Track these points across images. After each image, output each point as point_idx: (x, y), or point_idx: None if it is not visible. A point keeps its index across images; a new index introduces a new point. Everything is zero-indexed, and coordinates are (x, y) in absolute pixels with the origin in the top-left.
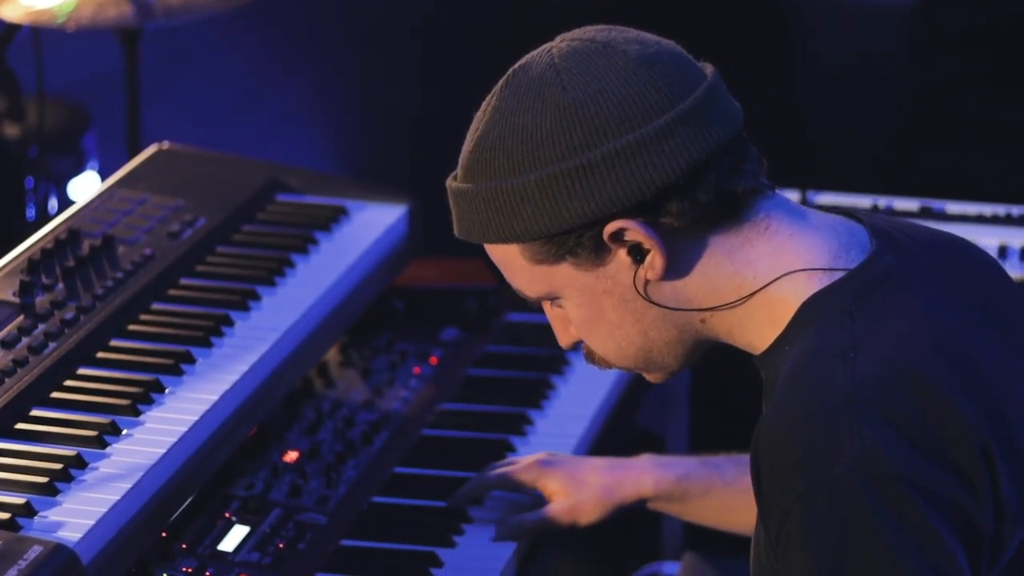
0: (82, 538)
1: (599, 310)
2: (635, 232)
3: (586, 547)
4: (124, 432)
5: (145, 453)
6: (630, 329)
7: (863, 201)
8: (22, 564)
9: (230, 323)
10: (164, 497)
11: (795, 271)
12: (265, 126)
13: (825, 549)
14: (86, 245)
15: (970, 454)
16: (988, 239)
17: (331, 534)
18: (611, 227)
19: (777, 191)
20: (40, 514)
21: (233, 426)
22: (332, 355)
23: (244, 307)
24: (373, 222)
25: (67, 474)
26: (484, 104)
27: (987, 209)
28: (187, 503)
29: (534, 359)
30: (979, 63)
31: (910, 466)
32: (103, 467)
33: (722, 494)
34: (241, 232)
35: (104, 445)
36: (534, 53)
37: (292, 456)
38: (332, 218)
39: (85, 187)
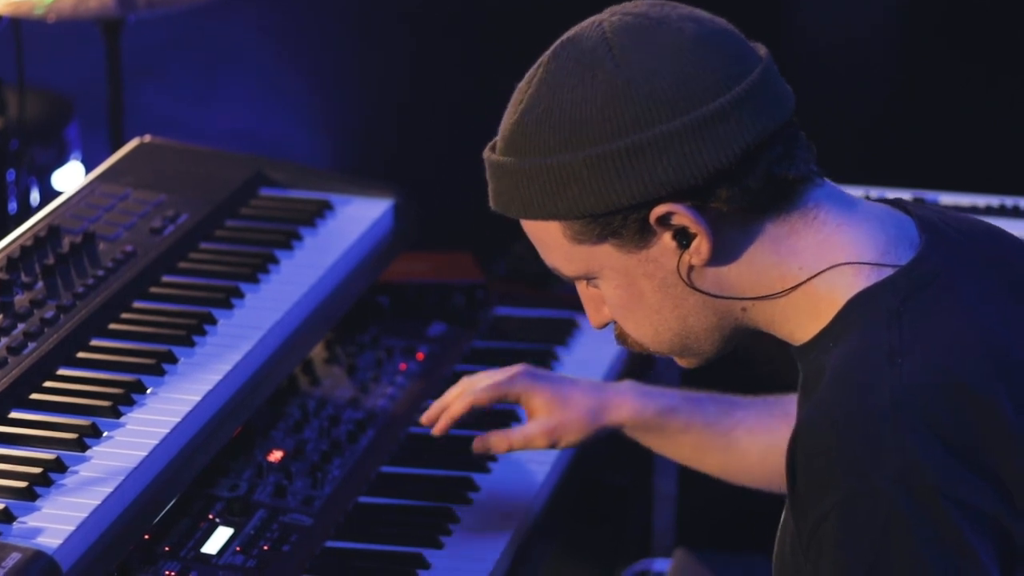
0: (62, 544)
1: (638, 293)
2: (682, 216)
3: (576, 544)
4: (105, 434)
5: (126, 456)
6: (669, 314)
7: (855, 192)
8: (0, 572)
9: (213, 321)
10: (146, 501)
11: (842, 264)
12: (256, 114)
13: (859, 561)
14: (66, 242)
15: (1012, 466)
16: None
17: (316, 535)
18: (658, 210)
19: (828, 181)
20: (19, 520)
21: (216, 427)
22: (318, 352)
23: (227, 305)
24: (358, 216)
25: (46, 478)
26: (529, 75)
27: (980, 200)
28: (170, 505)
29: (522, 354)
30: (971, 50)
31: (952, 480)
32: (83, 471)
33: (700, 433)
34: (224, 228)
35: (84, 448)
36: (583, 25)
37: (277, 456)
38: (317, 213)
39: (69, 178)
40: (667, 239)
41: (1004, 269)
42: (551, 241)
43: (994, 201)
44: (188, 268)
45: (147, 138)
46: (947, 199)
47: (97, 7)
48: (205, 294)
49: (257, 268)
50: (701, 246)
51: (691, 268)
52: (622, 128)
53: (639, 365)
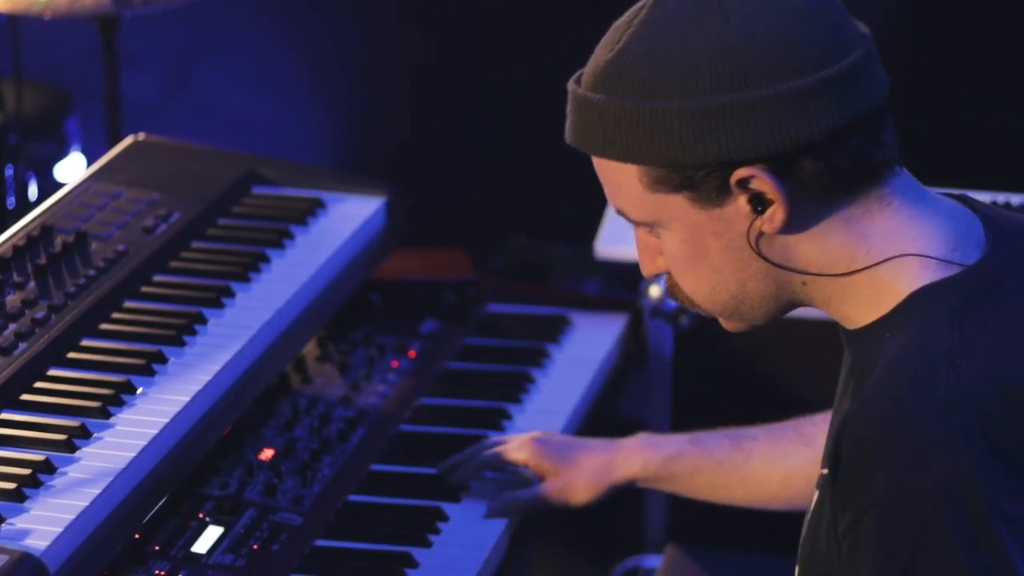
0: (49, 546)
1: (703, 250)
2: (764, 182)
3: (567, 541)
4: (94, 436)
5: (114, 457)
6: (729, 276)
7: None
8: None
9: (203, 321)
10: (135, 502)
11: (909, 255)
12: (250, 106)
13: (895, 560)
14: (59, 242)
15: None
16: None
17: (305, 534)
18: (741, 172)
19: (905, 170)
20: (8, 521)
21: (206, 427)
22: (310, 349)
23: (218, 304)
24: (350, 215)
25: (35, 480)
26: (629, 15)
27: (985, 197)
28: (160, 504)
29: (514, 351)
30: (970, 46)
31: (998, 489)
32: (72, 472)
33: (711, 473)
34: (216, 227)
35: (74, 449)
36: None
37: (268, 454)
38: (308, 211)
39: (71, 170)
40: (742, 202)
41: None
42: (625, 183)
43: (1000, 199)
44: (180, 267)
45: (141, 136)
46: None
47: (92, 4)
48: (196, 293)
49: (248, 267)
50: (776, 214)
51: (760, 235)
52: (722, 85)
53: (631, 362)
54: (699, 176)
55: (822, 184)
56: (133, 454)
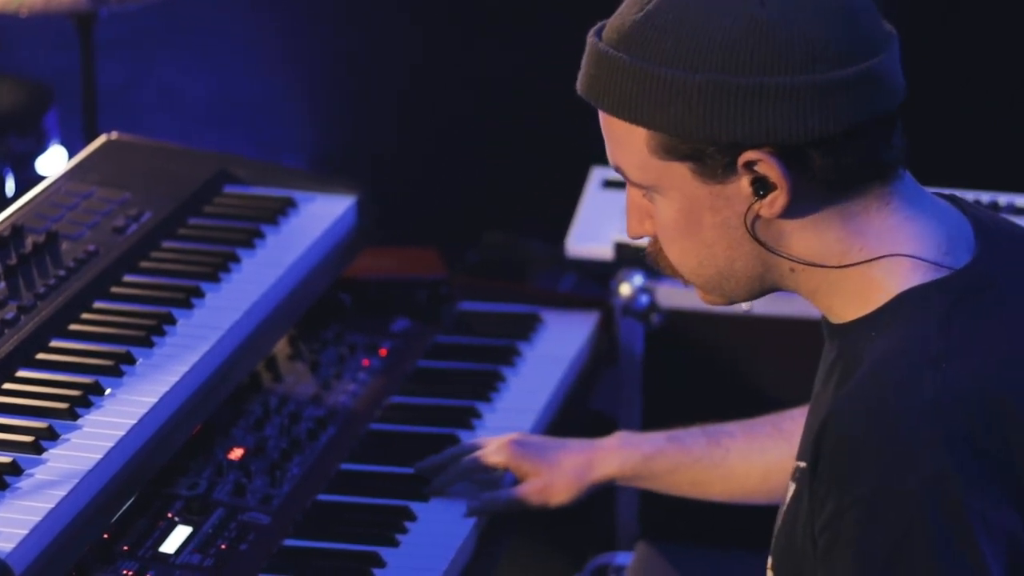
0: (15, 548)
1: (696, 223)
2: (770, 168)
3: (539, 538)
4: (61, 437)
5: (81, 459)
6: (719, 252)
7: None
8: None
9: (172, 322)
10: (101, 503)
11: (902, 255)
12: (225, 99)
13: (873, 560)
14: (29, 242)
15: None
16: None
17: (274, 534)
18: (751, 154)
19: (906, 171)
20: None
21: (173, 428)
22: (281, 347)
23: (187, 305)
24: (321, 214)
25: (2, 481)
26: None
27: (969, 196)
28: (128, 505)
29: (485, 350)
30: (953, 43)
31: (980, 496)
32: (39, 474)
33: (690, 470)
34: (187, 226)
35: (41, 451)
36: None
37: (237, 453)
38: (279, 210)
39: (52, 163)
40: (745, 183)
41: None
42: (630, 144)
43: (984, 197)
44: (150, 267)
45: (114, 135)
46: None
47: (69, 1)
48: (166, 294)
49: (218, 267)
50: (777, 200)
51: (757, 217)
52: (747, 66)
53: (602, 360)
54: (708, 151)
55: (827, 178)
56: (99, 456)
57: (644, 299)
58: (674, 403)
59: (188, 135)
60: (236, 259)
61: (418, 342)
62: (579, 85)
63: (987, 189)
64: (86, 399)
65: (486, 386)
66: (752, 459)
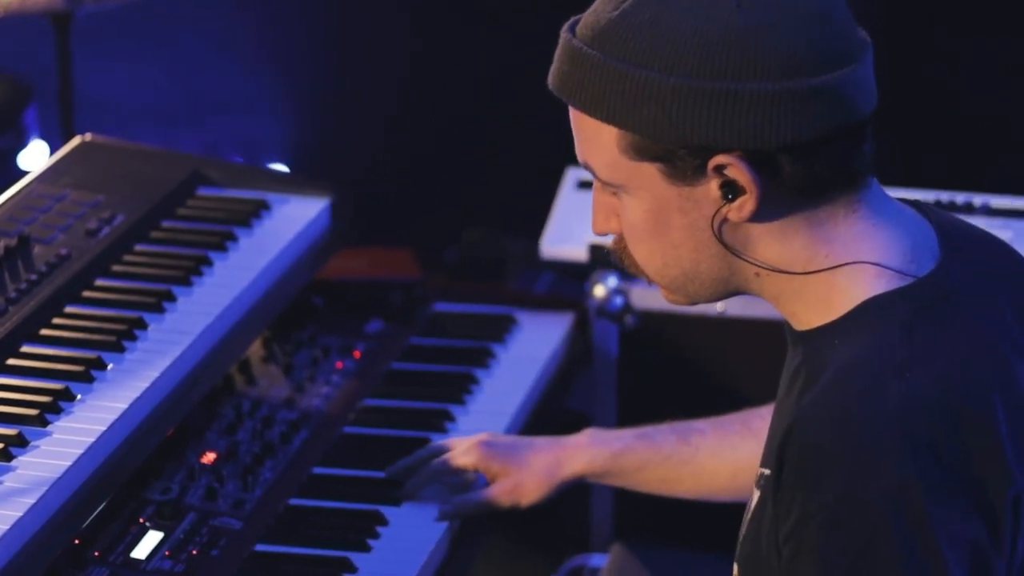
0: None
1: (664, 223)
2: (740, 172)
3: (513, 540)
4: (31, 444)
5: (50, 466)
6: (685, 253)
7: None
8: None
9: (144, 326)
10: (71, 511)
11: (866, 263)
12: (201, 99)
13: (837, 569)
14: (1, 246)
15: (1003, 500)
16: None
17: (245, 539)
18: (721, 158)
19: (874, 179)
20: None
21: (144, 434)
22: (255, 350)
23: (159, 309)
24: (294, 216)
25: None
26: None
27: (917, 196)
28: (99, 510)
29: (459, 352)
30: (913, 41)
31: (943, 505)
32: (8, 481)
33: (660, 468)
34: (160, 229)
35: (10, 458)
36: None
37: (210, 457)
38: (253, 213)
39: (33, 158)
40: (714, 186)
41: (1010, 286)
42: (601, 143)
43: (930, 196)
44: (122, 271)
45: (88, 137)
46: (893, 195)
47: (45, 1)
48: (137, 298)
49: (190, 271)
50: (745, 205)
51: (724, 220)
52: (722, 71)
53: (576, 362)
54: (679, 153)
55: (797, 185)
56: (69, 463)
57: (618, 301)
58: (649, 404)
59: (168, 134)
60: (208, 263)
61: (392, 344)
62: (551, 81)
63: (963, 190)
64: (56, 405)
65: (460, 389)
66: (722, 457)
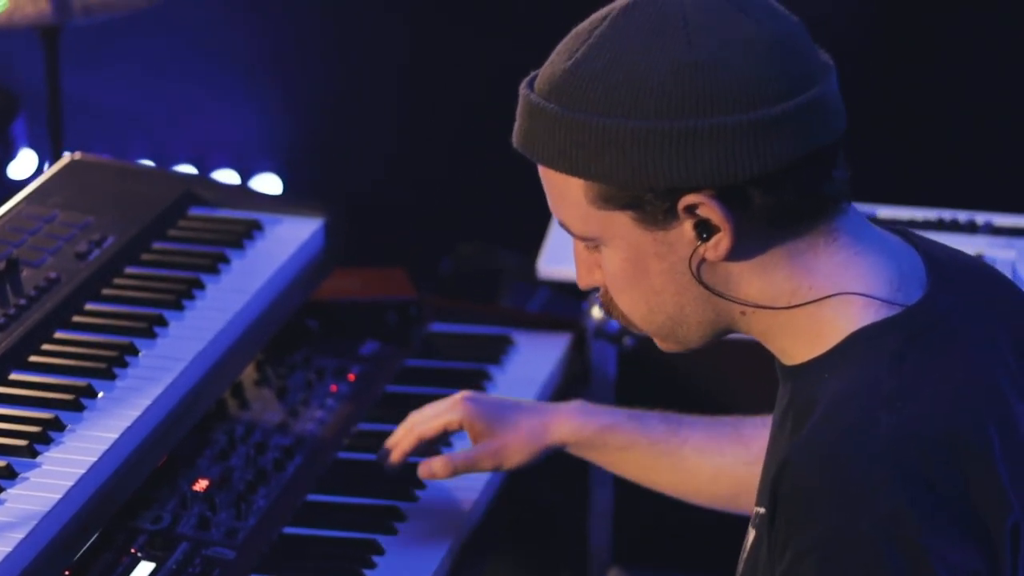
0: None
1: (643, 270)
2: (711, 210)
3: (510, 563)
4: (20, 475)
5: (41, 499)
6: (668, 298)
7: None
8: None
9: (135, 352)
10: (61, 544)
11: (852, 294)
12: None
13: None
14: None
15: (1001, 529)
16: None
17: (239, 569)
18: (689, 198)
19: (852, 205)
20: None
21: (136, 464)
22: (248, 373)
23: (150, 334)
24: (288, 237)
25: None
26: (591, 22)
27: (919, 214)
28: (89, 543)
29: (455, 374)
30: (907, 57)
31: (939, 536)
32: None
33: (645, 451)
34: (151, 251)
35: None
36: None
37: (202, 485)
38: (245, 234)
39: (24, 167)
40: (688, 227)
41: (1002, 314)
42: (569, 196)
43: (932, 215)
44: (112, 295)
45: (77, 155)
46: (885, 212)
47: (34, 14)
48: (128, 323)
49: (182, 294)
50: (721, 243)
51: (703, 261)
52: (678, 110)
53: (574, 383)
54: (647, 198)
55: (770, 216)
56: (59, 496)
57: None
58: None
59: (158, 144)
60: (200, 285)
61: (387, 366)
62: (514, 139)
63: (965, 208)
64: (46, 435)
65: None
66: (707, 456)
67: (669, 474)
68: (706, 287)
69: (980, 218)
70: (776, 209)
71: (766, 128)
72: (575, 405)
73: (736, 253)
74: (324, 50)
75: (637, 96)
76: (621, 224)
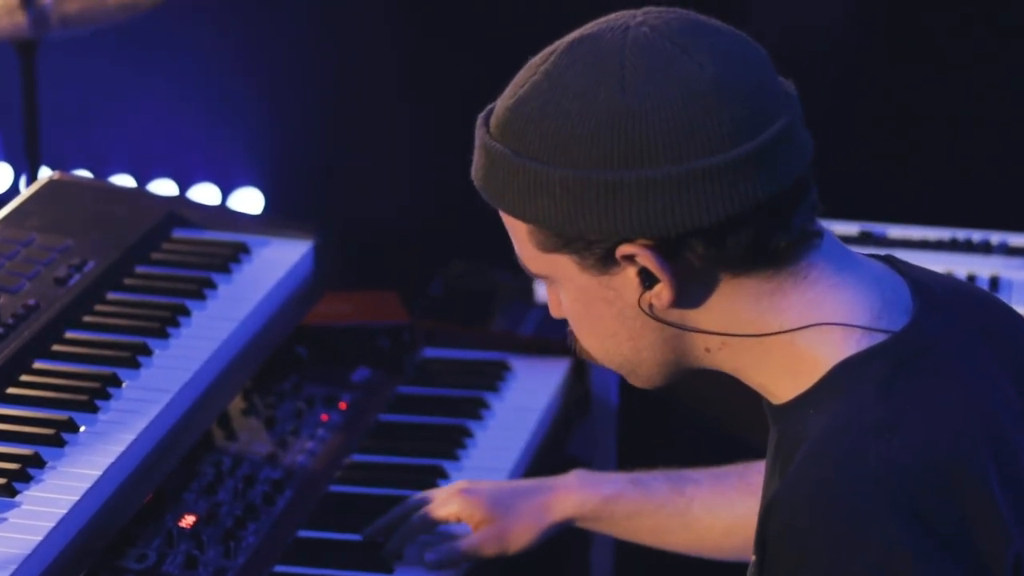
0: None
1: (595, 313)
2: (648, 261)
3: None
4: None
5: (19, 541)
6: (624, 341)
7: None
8: None
9: (118, 383)
10: None
11: (830, 324)
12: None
13: None
14: None
15: (1001, 561)
16: (932, 267)
17: None
18: (627, 248)
19: (827, 233)
20: None
21: (119, 502)
22: (235, 402)
23: (134, 364)
24: (276, 260)
25: None
26: (540, 57)
27: (932, 233)
28: None
29: (450, 402)
30: (918, 79)
31: (932, 568)
32: None
33: (652, 516)
34: (134, 275)
35: None
36: (612, 22)
37: (189, 521)
38: (232, 257)
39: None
40: (631, 273)
41: (996, 341)
42: (518, 236)
43: (945, 234)
44: (94, 323)
45: (56, 175)
46: (896, 232)
47: (9, 28)
48: (111, 352)
49: (166, 322)
50: (663, 292)
51: (652, 305)
52: (607, 159)
53: (574, 411)
54: (582, 245)
55: (714, 267)
56: (40, 537)
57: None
58: (651, 455)
59: (137, 162)
60: (186, 312)
61: (380, 393)
62: (472, 173)
63: (979, 227)
64: (25, 473)
65: (452, 443)
66: (717, 513)
67: (681, 535)
68: (664, 323)
69: (995, 237)
70: (720, 260)
71: (697, 181)
72: (574, 478)
73: (687, 299)
74: (308, 63)
75: (566, 142)
76: (565, 267)
